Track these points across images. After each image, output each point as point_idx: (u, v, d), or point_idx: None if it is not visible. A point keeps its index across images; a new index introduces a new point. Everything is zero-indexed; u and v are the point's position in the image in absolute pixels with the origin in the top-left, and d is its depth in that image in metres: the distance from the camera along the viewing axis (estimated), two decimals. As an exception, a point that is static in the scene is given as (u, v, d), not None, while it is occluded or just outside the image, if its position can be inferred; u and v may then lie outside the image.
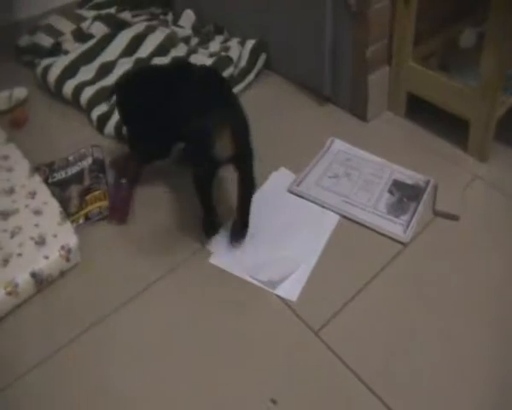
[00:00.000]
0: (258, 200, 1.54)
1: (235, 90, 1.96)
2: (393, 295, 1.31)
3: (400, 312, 1.28)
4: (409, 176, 1.59)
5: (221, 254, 1.42)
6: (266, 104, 1.90)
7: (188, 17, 2.36)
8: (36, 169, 1.64)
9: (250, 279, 1.35)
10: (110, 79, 1.99)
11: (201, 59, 2.03)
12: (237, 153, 1.29)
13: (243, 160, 1.34)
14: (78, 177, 1.65)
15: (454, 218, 1.46)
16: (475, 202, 1.51)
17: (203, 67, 1.65)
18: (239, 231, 1.44)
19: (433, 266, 1.37)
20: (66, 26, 2.25)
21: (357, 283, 1.33)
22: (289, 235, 1.45)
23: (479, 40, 1.76)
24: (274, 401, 1.12)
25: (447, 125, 1.68)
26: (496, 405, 1.11)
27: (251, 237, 1.45)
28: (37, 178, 1.60)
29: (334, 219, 1.48)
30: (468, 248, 1.41)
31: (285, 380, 1.16)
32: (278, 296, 1.31)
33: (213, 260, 1.40)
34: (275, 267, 1.37)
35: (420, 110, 1.75)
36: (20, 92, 2.01)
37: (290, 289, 1.32)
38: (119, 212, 1.55)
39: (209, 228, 1.46)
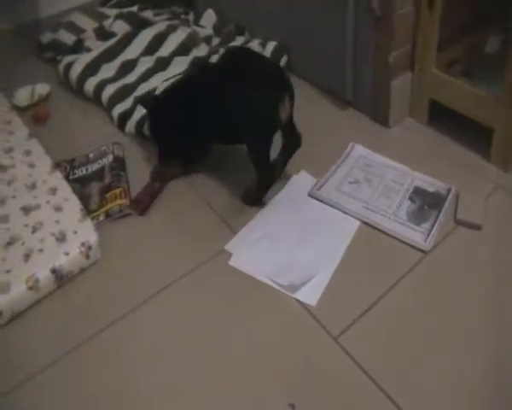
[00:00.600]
0: (278, 202, 1.55)
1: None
2: (413, 303, 1.30)
3: (420, 320, 1.27)
4: (430, 183, 1.58)
5: (241, 256, 1.42)
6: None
7: (209, 17, 2.36)
8: (57, 165, 1.65)
9: (270, 282, 1.35)
10: (131, 78, 2.01)
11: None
12: (291, 115, 1.49)
13: (292, 121, 1.52)
14: (99, 174, 1.66)
15: (476, 227, 1.45)
16: (498, 212, 1.49)
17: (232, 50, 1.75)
18: None
19: (454, 275, 1.36)
20: (88, 24, 2.27)
21: (377, 290, 1.32)
22: (309, 239, 1.45)
23: (503, 47, 1.74)
24: (292, 406, 1.12)
25: (470, 133, 1.67)
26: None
27: (271, 239, 1.45)
28: (59, 175, 1.61)
29: (354, 224, 1.48)
30: (490, 257, 1.39)
31: (303, 385, 1.16)
32: (297, 300, 1.31)
33: (233, 263, 1.40)
34: (295, 271, 1.37)
35: (442, 117, 1.74)
36: (42, 88, 2.03)
37: (310, 294, 1.32)
38: (140, 204, 1.56)
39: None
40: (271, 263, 1.39)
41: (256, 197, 1.55)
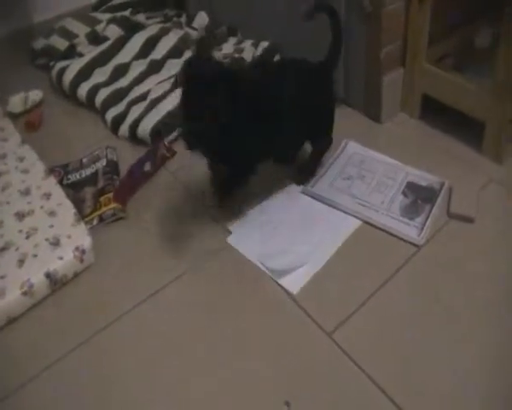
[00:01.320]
0: (273, 200, 1.55)
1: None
2: (408, 297, 1.30)
3: (415, 314, 1.27)
4: (423, 178, 1.58)
5: (239, 236, 1.46)
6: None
7: (201, 19, 2.36)
8: (50, 171, 1.66)
9: (260, 266, 1.38)
10: (124, 81, 2.01)
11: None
12: None
13: None
14: (93, 178, 1.66)
15: (469, 220, 1.45)
16: (490, 205, 1.49)
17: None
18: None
19: (447, 269, 1.36)
20: (80, 29, 2.27)
21: (371, 284, 1.32)
22: (303, 234, 1.46)
23: (494, 40, 1.74)
24: (288, 404, 1.12)
25: (462, 126, 1.67)
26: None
27: (268, 227, 1.48)
28: (52, 180, 1.61)
29: (351, 223, 1.48)
30: (483, 250, 1.39)
31: (298, 382, 1.16)
32: (292, 298, 1.31)
33: (231, 240, 1.45)
34: (283, 259, 1.39)
35: (435, 112, 1.74)
36: (35, 95, 2.03)
37: (293, 282, 1.34)
38: (120, 196, 1.57)
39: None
40: (264, 247, 1.42)
41: (315, 171, 1.62)
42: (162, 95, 1.91)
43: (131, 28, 2.25)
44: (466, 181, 1.55)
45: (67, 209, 1.51)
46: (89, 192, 1.61)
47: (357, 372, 1.16)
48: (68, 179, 1.67)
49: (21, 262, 1.37)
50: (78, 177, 1.68)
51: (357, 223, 1.47)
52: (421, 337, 1.22)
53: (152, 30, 2.22)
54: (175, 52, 2.12)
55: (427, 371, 1.16)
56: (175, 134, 1.81)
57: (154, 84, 1.98)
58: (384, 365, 1.17)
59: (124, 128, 1.84)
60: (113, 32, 2.24)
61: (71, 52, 2.18)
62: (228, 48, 2.17)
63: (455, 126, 1.70)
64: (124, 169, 1.68)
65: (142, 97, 1.93)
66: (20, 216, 1.49)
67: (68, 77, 2.02)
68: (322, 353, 1.21)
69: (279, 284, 1.34)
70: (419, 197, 1.52)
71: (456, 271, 1.35)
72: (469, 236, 1.42)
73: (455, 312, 1.26)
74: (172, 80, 1.97)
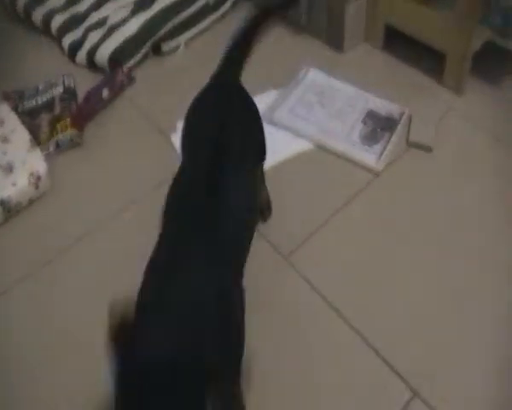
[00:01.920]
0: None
1: (210, 19, 1.92)
2: (365, 222, 1.33)
3: (371, 239, 1.29)
4: (383, 107, 1.57)
5: None
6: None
7: None
8: (5, 96, 1.60)
9: None
10: (81, 6, 1.93)
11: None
12: None
13: None
14: (49, 105, 1.61)
15: (427, 149, 1.46)
16: (449, 134, 1.51)
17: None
18: None
19: (405, 195, 1.38)
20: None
21: (328, 209, 1.34)
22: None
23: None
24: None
25: (424, 57, 1.66)
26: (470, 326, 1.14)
27: None
28: (6, 107, 1.56)
29: (301, 144, 1.48)
30: (441, 178, 1.41)
31: (253, 305, 1.17)
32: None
33: None
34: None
35: (398, 42, 1.72)
36: (-14, 19, 1.94)
37: None
38: (77, 121, 1.54)
39: None
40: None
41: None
42: (121, 21, 1.84)
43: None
44: (426, 111, 1.56)
45: (22, 135, 1.47)
46: (45, 119, 1.57)
47: (314, 295, 1.19)
48: (24, 106, 1.62)
49: (-27, 189, 1.34)
50: (34, 103, 1.63)
51: (315, 148, 1.48)
52: (376, 261, 1.25)
53: (111, -47, 2.12)
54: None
55: (383, 295, 1.19)
56: (133, 60, 1.76)
57: (113, 10, 1.90)
58: (340, 288, 1.20)
59: (81, 55, 1.79)
60: (70, -46, 2.13)
61: (25, -25, 2.07)
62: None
63: (418, 57, 1.69)
64: (82, 96, 1.63)
65: (100, 23, 1.86)
66: (-28, 144, 1.45)
67: (22, 1, 1.93)
68: (278, 275, 1.23)
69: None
70: (379, 126, 1.52)
71: (414, 197, 1.37)
72: (427, 164, 1.44)
73: (411, 237, 1.29)
74: (132, 7, 1.90)
